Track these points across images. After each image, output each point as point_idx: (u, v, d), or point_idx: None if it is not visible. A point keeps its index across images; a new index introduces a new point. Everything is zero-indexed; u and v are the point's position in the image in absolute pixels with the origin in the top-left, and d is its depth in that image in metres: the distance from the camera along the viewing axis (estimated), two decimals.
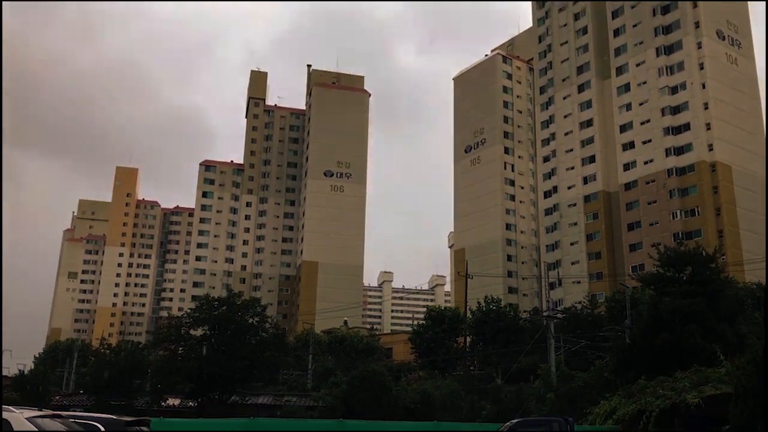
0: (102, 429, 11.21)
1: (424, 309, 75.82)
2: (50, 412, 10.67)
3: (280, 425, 24.78)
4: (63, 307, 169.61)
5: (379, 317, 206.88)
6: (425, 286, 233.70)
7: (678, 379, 20.88)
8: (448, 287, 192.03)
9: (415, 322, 72.77)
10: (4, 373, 58.61)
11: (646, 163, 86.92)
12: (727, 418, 17.54)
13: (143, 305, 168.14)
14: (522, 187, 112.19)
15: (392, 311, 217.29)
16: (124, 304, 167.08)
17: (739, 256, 72.17)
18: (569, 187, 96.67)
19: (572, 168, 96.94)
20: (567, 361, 39.68)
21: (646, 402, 20.30)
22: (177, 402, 39.94)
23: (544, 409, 28.08)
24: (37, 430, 9.06)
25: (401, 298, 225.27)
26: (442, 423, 24.64)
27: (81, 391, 45.94)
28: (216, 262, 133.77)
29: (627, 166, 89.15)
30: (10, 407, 9.40)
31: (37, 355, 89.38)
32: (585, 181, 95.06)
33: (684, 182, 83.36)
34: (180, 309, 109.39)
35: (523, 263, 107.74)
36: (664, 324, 25.47)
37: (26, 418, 9.19)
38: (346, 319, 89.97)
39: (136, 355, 43.82)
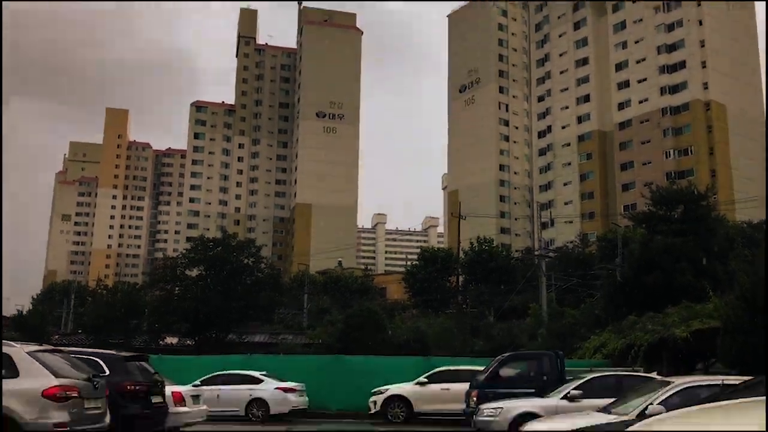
0: (102, 364, 11.40)
1: (418, 250, 76.31)
2: (50, 347, 10.82)
3: (277, 360, 25.36)
4: (58, 249, 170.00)
5: (373, 258, 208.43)
6: (418, 228, 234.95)
7: (667, 315, 21.28)
8: (441, 228, 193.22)
9: (409, 263, 73.42)
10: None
11: (640, 102, 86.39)
12: (714, 352, 17.96)
13: (138, 247, 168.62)
14: (516, 128, 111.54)
15: (386, 252, 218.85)
16: (119, 245, 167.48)
17: (730, 196, 72.61)
18: (563, 127, 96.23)
19: (567, 107, 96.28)
20: (558, 300, 40.34)
21: (635, 337, 20.73)
22: (175, 341, 40.52)
23: (535, 345, 28.66)
24: (37, 363, 9.20)
25: (395, 240, 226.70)
26: (435, 358, 25.18)
27: (79, 331, 46.49)
28: (210, 203, 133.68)
29: (621, 105, 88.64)
30: (11, 342, 9.51)
31: (35, 297, 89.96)
32: (579, 120, 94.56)
33: (678, 121, 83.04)
34: (175, 250, 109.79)
35: (515, 204, 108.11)
36: (656, 262, 25.77)
37: (27, 353, 9.32)
38: (340, 259, 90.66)
39: (132, 295, 44.16)
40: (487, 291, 50.72)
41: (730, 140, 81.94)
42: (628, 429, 3.41)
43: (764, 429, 2.41)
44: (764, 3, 57.33)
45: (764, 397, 3.03)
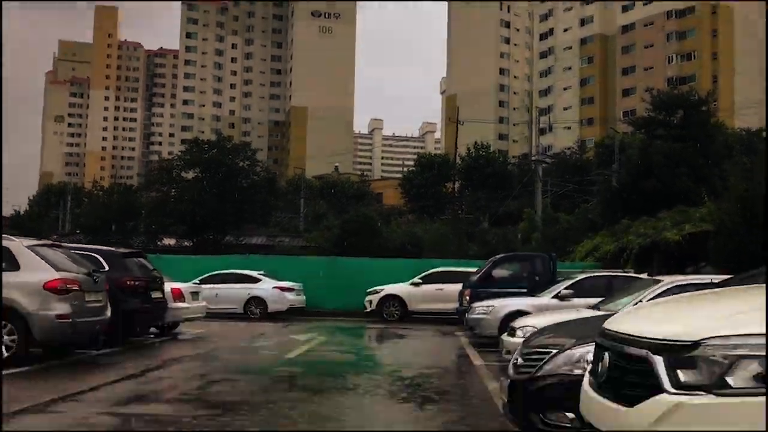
0: (101, 260, 11.53)
1: (415, 156, 76.07)
2: (50, 241, 10.91)
3: (274, 261, 25.77)
4: (52, 151, 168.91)
5: (370, 164, 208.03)
6: (416, 134, 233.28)
7: (660, 219, 21.46)
8: (438, 134, 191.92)
9: (406, 169, 73.41)
10: None
11: (645, 4, 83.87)
12: (704, 255, 18.25)
13: (133, 149, 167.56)
14: (518, 30, 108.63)
15: (382, 158, 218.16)
16: (114, 148, 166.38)
17: (732, 103, 71.85)
18: (566, 30, 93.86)
19: (570, 9, 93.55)
20: (554, 205, 40.64)
21: (627, 240, 21.00)
22: (172, 242, 40.99)
23: (529, 249, 29.06)
24: (37, 257, 9.29)
25: (391, 146, 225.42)
26: (430, 260, 25.62)
27: (77, 231, 46.90)
28: (204, 106, 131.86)
29: (625, 8, 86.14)
30: (10, 236, 9.56)
31: (31, 198, 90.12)
32: (582, 23, 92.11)
33: (683, 25, 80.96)
34: (170, 153, 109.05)
35: (515, 109, 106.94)
36: (654, 167, 25.74)
37: (26, 246, 9.39)
38: (336, 164, 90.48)
39: (128, 197, 44.37)
40: (483, 197, 50.97)
41: (735, 44, 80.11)
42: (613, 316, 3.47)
43: (763, 308, 2.45)
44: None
45: (762, 285, 3.06)
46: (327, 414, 6.54)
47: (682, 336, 2.60)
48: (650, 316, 3.27)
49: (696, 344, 2.51)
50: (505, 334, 9.96)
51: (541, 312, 11.41)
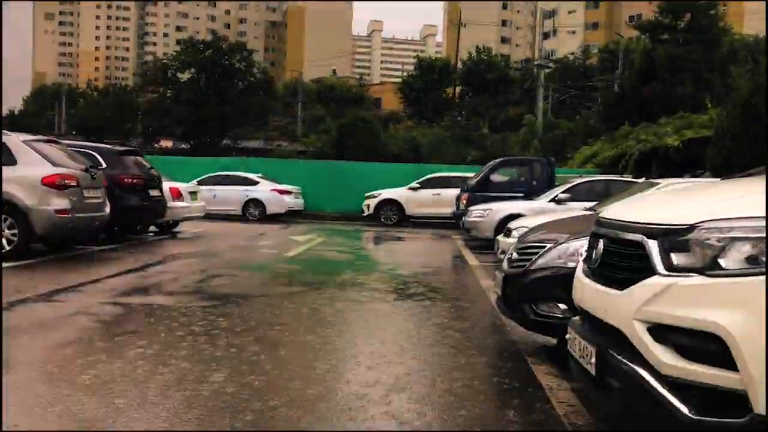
0: (98, 157, 11.48)
1: (415, 60, 74.38)
2: (46, 137, 10.82)
3: (273, 164, 25.75)
4: (45, 50, 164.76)
5: (369, 67, 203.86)
6: (416, 37, 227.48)
7: (661, 125, 21.27)
8: (439, 38, 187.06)
9: (405, 73, 71.94)
10: None
11: None
12: (704, 162, 18.20)
13: (127, 49, 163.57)
14: None
15: (381, 62, 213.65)
16: (107, 48, 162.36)
17: (742, 7, 69.69)
18: None
19: None
20: (555, 111, 40.23)
21: (626, 146, 20.89)
22: (170, 144, 40.83)
23: (528, 154, 28.99)
24: (34, 152, 9.24)
25: (391, 49, 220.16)
26: (428, 165, 25.62)
27: (74, 132, 46.58)
28: (198, 5, 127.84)
29: None
30: (6, 132, 9.47)
31: (25, 99, 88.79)
32: None
33: None
34: (165, 54, 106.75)
35: (518, 12, 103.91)
36: (657, 72, 25.29)
37: (23, 141, 9.33)
38: (334, 68, 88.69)
39: (124, 97, 43.82)
40: (484, 102, 50.37)
41: None
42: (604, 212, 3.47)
43: (760, 192, 2.44)
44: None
45: (762, 176, 3.05)
46: (323, 305, 6.69)
47: (677, 220, 2.61)
48: (647, 204, 3.29)
49: (691, 227, 2.52)
50: (501, 235, 10.08)
51: (537, 215, 11.48)
